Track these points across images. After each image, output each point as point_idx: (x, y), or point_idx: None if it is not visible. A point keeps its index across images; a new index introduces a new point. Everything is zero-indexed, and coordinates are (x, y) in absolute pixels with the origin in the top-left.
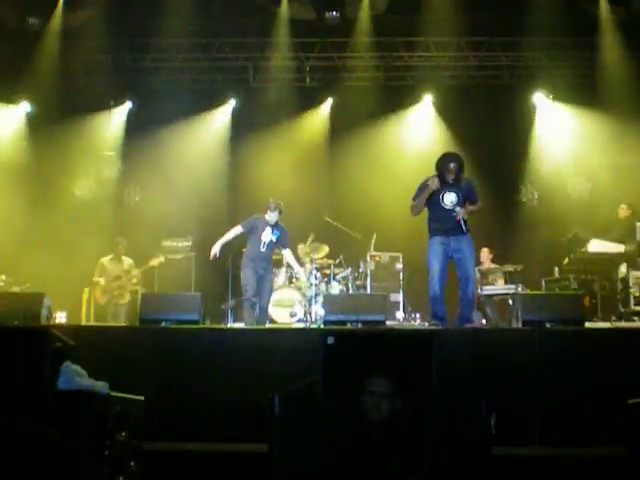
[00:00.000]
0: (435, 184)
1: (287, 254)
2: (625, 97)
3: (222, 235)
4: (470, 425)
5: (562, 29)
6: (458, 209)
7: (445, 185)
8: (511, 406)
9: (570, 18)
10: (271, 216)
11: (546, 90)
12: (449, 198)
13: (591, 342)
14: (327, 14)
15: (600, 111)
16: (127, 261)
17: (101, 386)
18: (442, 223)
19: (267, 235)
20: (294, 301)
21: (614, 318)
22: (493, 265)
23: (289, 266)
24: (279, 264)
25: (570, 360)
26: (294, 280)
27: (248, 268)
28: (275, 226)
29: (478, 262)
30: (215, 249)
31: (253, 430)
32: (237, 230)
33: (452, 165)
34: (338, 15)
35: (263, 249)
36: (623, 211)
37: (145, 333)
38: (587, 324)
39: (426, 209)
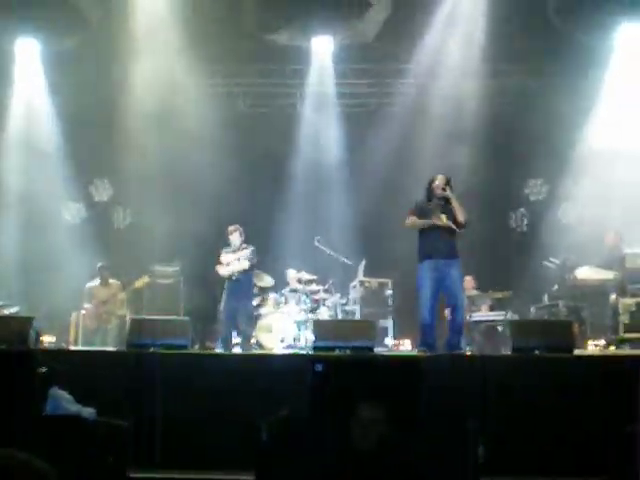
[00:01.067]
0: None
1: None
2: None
3: (211, 259)
4: (458, 453)
5: (552, 57)
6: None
7: (437, 205)
8: (501, 433)
9: (560, 46)
10: (235, 245)
11: (536, 116)
12: (439, 219)
13: (580, 369)
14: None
15: (587, 137)
16: (114, 284)
17: (88, 412)
18: (431, 244)
19: (235, 267)
20: (283, 326)
21: (604, 345)
22: (475, 292)
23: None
24: (268, 290)
25: (559, 387)
26: (283, 305)
27: (225, 302)
28: (241, 253)
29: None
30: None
31: (240, 457)
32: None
33: (442, 188)
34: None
35: (235, 279)
36: (610, 238)
37: (133, 358)
38: (576, 351)
39: (416, 232)
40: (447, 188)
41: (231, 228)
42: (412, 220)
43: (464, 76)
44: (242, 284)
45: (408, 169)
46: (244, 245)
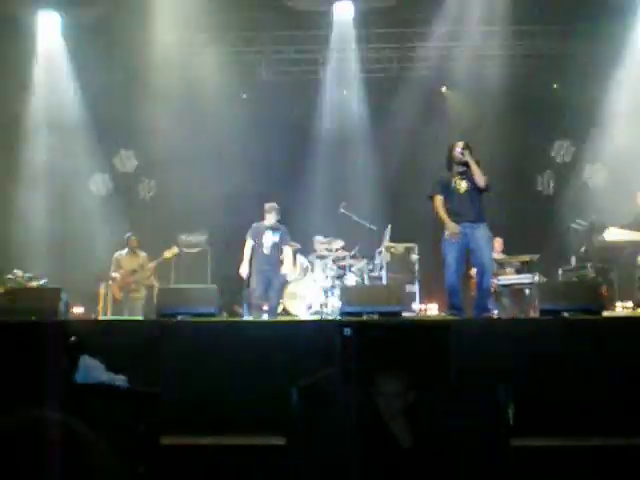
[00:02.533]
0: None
1: (286, 251)
2: None
3: (237, 230)
4: (488, 415)
5: (577, 17)
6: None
7: (456, 173)
8: (530, 396)
9: (586, 5)
10: (269, 219)
11: (561, 78)
12: (461, 185)
13: (609, 331)
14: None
15: (614, 97)
16: (142, 255)
17: (119, 380)
18: (456, 210)
19: (268, 238)
20: (310, 293)
21: (632, 307)
22: (502, 256)
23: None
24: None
25: (589, 349)
26: (309, 272)
27: (255, 273)
28: (274, 228)
29: None
30: (243, 271)
31: (270, 423)
32: (249, 244)
33: (460, 153)
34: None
35: (267, 252)
36: (639, 198)
37: (162, 326)
38: (605, 313)
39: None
40: (465, 152)
41: (268, 206)
42: (436, 207)
43: (488, 38)
44: (273, 257)
45: (432, 133)
46: (276, 224)
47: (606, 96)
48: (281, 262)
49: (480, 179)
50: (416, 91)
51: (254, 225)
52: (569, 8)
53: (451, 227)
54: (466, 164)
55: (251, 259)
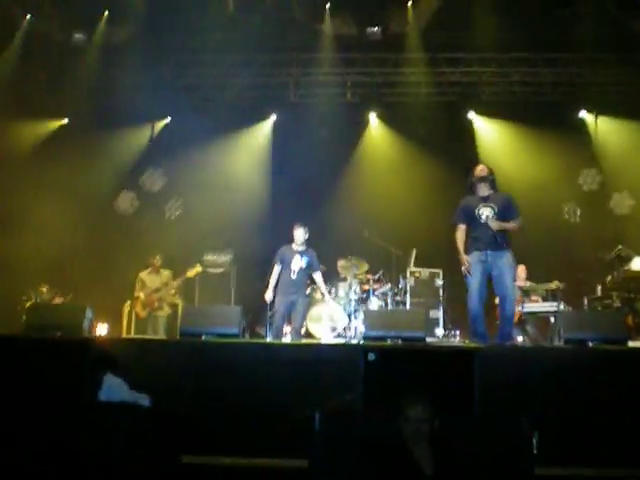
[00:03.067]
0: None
1: (317, 277)
2: None
3: (262, 251)
4: (512, 443)
5: (605, 45)
6: (493, 222)
7: (480, 200)
8: (554, 425)
9: (614, 34)
10: (298, 243)
11: (590, 106)
12: (485, 212)
13: (633, 362)
14: (369, 30)
15: None
16: (165, 273)
17: (142, 398)
18: (479, 238)
19: (296, 263)
20: (334, 316)
21: None
22: (528, 283)
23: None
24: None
25: (613, 379)
26: (334, 295)
27: (279, 296)
28: (303, 252)
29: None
30: (268, 296)
31: (293, 445)
32: (277, 269)
33: (483, 179)
34: (380, 31)
35: (294, 277)
36: None
37: (185, 347)
38: (630, 343)
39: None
40: (494, 222)
41: (297, 225)
42: (456, 238)
43: (516, 64)
44: (300, 282)
45: (460, 158)
46: (304, 246)
47: (632, 124)
48: (308, 285)
49: (516, 229)
50: (444, 115)
51: (282, 248)
52: (599, 35)
53: (463, 260)
54: (488, 179)
55: (277, 281)
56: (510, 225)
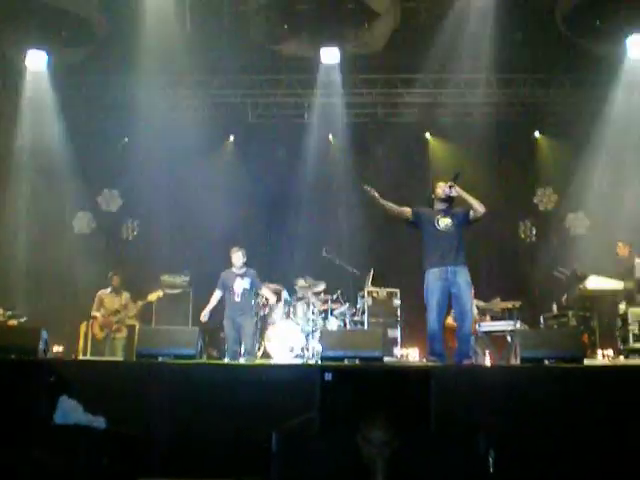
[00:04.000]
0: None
1: (264, 292)
2: (621, 133)
3: (219, 272)
4: (469, 463)
5: (559, 66)
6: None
7: (438, 211)
8: (510, 444)
9: (567, 55)
10: (237, 266)
11: (545, 127)
12: (444, 222)
13: (590, 380)
14: (325, 50)
15: (596, 146)
16: (125, 295)
17: (97, 421)
18: (438, 249)
19: (239, 285)
20: (291, 336)
21: (613, 355)
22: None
23: (286, 301)
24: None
25: (570, 397)
26: (291, 315)
27: (227, 320)
28: (243, 274)
29: None
30: (204, 316)
31: (250, 467)
32: (217, 294)
33: (449, 187)
34: (337, 52)
35: (237, 299)
36: (621, 249)
37: (142, 368)
38: (586, 361)
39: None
40: (455, 188)
41: (233, 249)
42: (395, 207)
43: (472, 86)
44: (245, 303)
45: (416, 179)
46: (244, 268)
47: (588, 144)
48: (253, 306)
49: (479, 206)
50: (400, 137)
51: (223, 274)
52: (552, 58)
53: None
54: (449, 200)
55: (224, 305)
56: (472, 198)
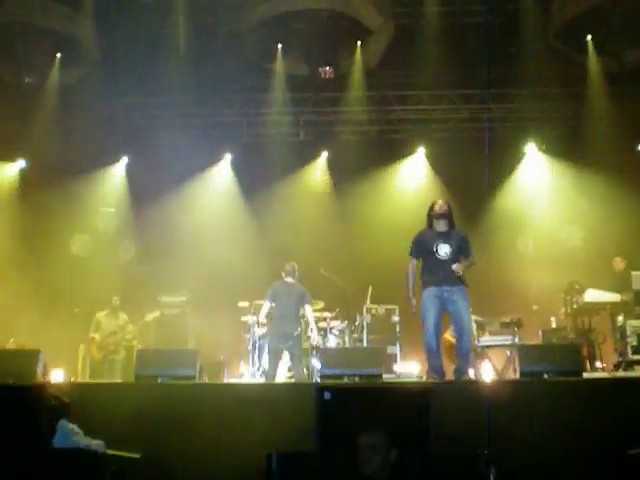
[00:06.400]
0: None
1: (308, 310)
2: (615, 148)
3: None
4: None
5: (552, 81)
6: (455, 266)
7: (438, 236)
8: (511, 460)
9: (560, 70)
10: (289, 279)
11: (537, 141)
12: (443, 249)
13: (589, 392)
14: (321, 69)
15: (589, 161)
16: (122, 317)
17: (97, 445)
18: (435, 273)
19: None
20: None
21: (612, 368)
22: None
23: None
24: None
25: (569, 411)
26: None
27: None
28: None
29: None
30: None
31: None
32: (267, 306)
33: (442, 216)
34: (332, 70)
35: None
36: (617, 264)
37: (141, 390)
38: (585, 374)
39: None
40: (460, 267)
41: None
42: (406, 274)
43: (464, 100)
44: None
45: (414, 193)
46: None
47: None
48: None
49: (469, 268)
50: (395, 152)
51: (273, 284)
52: (545, 71)
53: (411, 301)
54: (447, 217)
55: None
56: (466, 264)
